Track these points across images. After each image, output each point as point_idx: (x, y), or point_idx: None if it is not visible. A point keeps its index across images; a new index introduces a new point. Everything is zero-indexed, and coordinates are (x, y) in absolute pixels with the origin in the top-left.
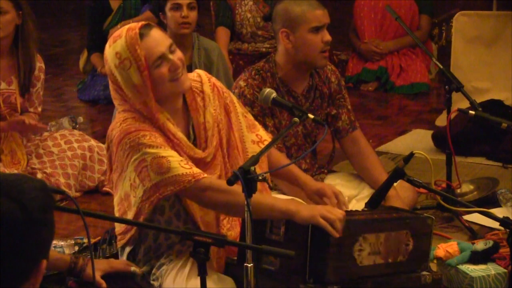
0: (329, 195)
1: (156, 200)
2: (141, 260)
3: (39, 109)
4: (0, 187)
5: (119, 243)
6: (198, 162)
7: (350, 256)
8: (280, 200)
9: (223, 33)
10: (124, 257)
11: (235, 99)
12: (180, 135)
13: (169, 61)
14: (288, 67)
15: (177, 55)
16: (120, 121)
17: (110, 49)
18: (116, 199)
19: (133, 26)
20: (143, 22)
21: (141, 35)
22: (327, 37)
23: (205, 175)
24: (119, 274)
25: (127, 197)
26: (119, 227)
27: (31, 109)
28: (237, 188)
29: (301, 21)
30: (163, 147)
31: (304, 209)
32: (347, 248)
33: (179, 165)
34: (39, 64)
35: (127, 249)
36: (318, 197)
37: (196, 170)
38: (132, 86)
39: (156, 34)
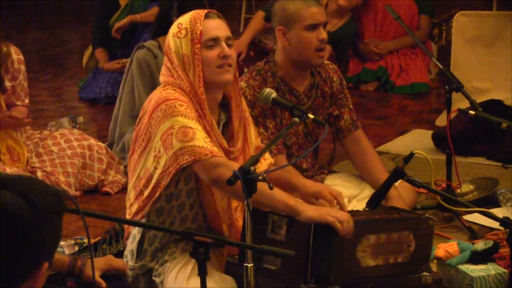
0: (329, 199)
1: (174, 171)
2: (147, 249)
3: (26, 101)
4: (13, 185)
5: (130, 229)
6: (224, 153)
7: (353, 257)
8: (290, 196)
9: (259, 18)
10: (134, 245)
11: (251, 119)
12: (213, 121)
13: (221, 47)
14: (287, 65)
15: (232, 50)
16: (160, 90)
17: (175, 23)
18: (131, 184)
19: (203, 10)
20: (214, 11)
21: (207, 15)
22: (323, 35)
23: (223, 155)
24: (117, 274)
25: (146, 172)
26: (134, 207)
27: (18, 102)
28: None
29: (296, 18)
30: (194, 120)
31: (310, 208)
32: (351, 249)
33: (203, 139)
34: (17, 56)
35: (137, 237)
36: (314, 199)
37: (216, 149)
38: (181, 55)
39: (219, 22)
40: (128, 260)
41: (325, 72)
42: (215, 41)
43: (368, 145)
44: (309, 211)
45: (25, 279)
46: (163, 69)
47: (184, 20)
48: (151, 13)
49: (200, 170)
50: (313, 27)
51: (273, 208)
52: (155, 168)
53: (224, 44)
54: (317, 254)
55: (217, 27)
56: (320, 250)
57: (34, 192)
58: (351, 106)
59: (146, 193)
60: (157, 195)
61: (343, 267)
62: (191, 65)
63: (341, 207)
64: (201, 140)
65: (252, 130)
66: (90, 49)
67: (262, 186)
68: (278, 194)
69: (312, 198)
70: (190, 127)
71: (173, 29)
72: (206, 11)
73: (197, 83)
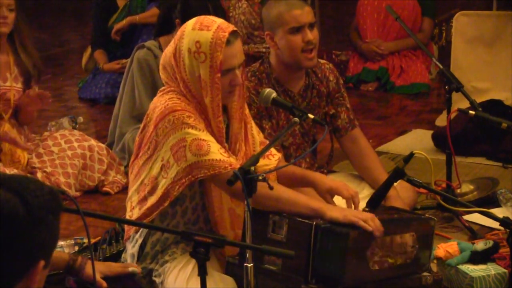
0: (346, 196)
1: (187, 182)
2: (148, 253)
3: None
4: (7, 183)
5: (130, 231)
6: None
7: (364, 259)
8: (311, 198)
9: None
10: (136, 248)
11: (250, 116)
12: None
13: (234, 76)
14: (280, 67)
15: (242, 74)
16: (166, 100)
17: (192, 33)
18: (134, 187)
19: (225, 27)
20: (234, 28)
21: (228, 42)
22: (308, 36)
23: (239, 162)
24: (119, 276)
25: (152, 180)
26: (136, 214)
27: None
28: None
29: (279, 23)
30: (205, 132)
31: (334, 209)
32: (362, 251)
33: (218, 151)
34: None
35: (139, 241)
36: (329, 195)
37: (233, 160)
38: (195, 77)
39: (238, 46)
40: None
41: (321, 72)
42: (231, 70)
43: (366, 144)
44: (334, 212)
45: (20, 278)
46: (167, 69)
47: (204, 40)
48: (150, 14)
49: (219, 183)
50: (296, 29)
51: (296, 213)
52: (163, 177)
53: (237, 72)
54: (328, 256)
55: (235, 54)
56: (332, 252)
57: (28, 190)
58: (348, 105)
59: (152, 200)
60: (166, 204)
61: (355, 270)
62: (209, 92)
63: (355, 208)
64: (216, 153)
65: (253, 126)
66: (89, 50)
67: (283, 193)
68: (300, 198)
69: (327, 195)
70: (203, 140)
71: (190, 44)
72: (227, 34)
73: (215, 111)
